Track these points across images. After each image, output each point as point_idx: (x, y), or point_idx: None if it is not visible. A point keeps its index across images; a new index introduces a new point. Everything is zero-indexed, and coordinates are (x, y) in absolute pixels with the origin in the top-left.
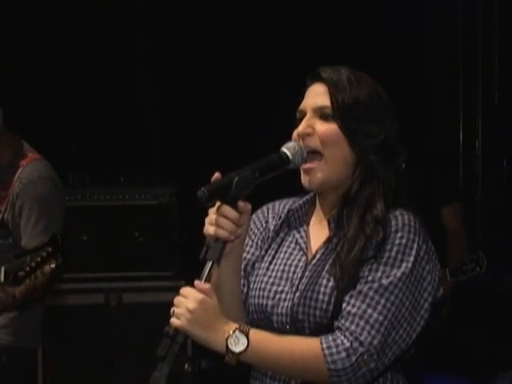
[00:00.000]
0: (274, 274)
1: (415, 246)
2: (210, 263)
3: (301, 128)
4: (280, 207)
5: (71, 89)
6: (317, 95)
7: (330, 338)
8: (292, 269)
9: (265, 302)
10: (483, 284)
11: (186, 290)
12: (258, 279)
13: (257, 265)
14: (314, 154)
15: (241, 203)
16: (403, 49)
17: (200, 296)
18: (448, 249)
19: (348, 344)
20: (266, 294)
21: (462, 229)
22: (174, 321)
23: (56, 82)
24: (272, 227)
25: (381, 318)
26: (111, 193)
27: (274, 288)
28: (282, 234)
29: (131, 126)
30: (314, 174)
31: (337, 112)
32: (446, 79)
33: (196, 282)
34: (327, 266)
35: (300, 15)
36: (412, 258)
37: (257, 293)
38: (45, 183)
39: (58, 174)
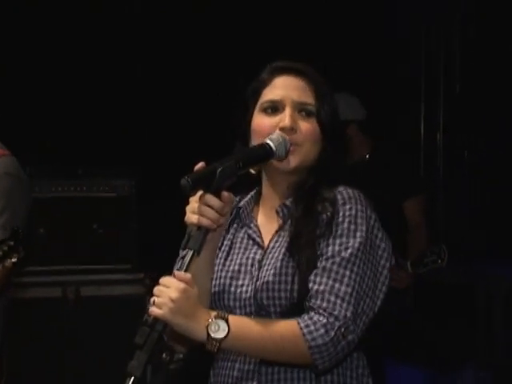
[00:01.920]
0: (231, 268)
1: (364, 215)
2: (191, 253)
3: (288, 123)
4: None
5: (33, 80)
6: (296, 89)
7: (306, 317)
8: (250, 261)
9: (226, 296)
10: (444, 277)
11: (167, 280)
12: (215, 276)
13: None
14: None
15: (225, 193)
16: (365, 41)
17: (182, 285)
18: (409, 241)
19: (324, 320)
20: (226, 288)
21: (423, 221)
22: (154, 310)
23: (18, 74)
24: None
25: (349, 289)
26: (69, 184)
27: (234, 282)
28: (232, 231)
29: (90, 115)
30: (294, 156)
31: (321, 108)
32: (408, 70)
33: (177, 272)
34: (283, 250)
35: (295, 15)
36: (364, 227)
37: (216, 289)
38: (11, 179)
39: None
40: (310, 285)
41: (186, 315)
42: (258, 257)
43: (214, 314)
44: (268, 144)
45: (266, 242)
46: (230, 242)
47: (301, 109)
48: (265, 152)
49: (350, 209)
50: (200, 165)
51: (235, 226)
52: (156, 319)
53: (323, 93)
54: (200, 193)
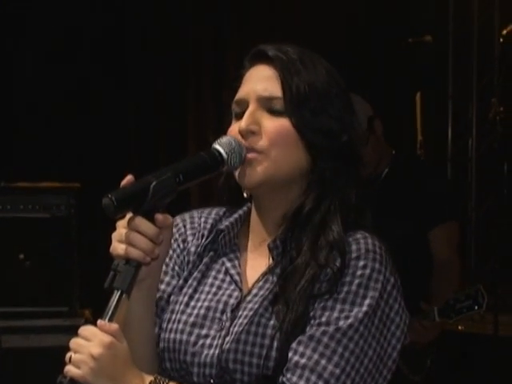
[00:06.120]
0: (195, 312)
1: (381, 277)
2: (118, 294)
3: (244, 124)
4: (201, 221)
5: None
6: (262, 81)
7: None
8: (220, 306)
9: (183, 348)
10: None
11: (87, 331)
12: (173, 317)
13: (173, 298)
14: (256, 151)
15: (159, 215)
16: None
17: (107, 339)
18: (435, 281)
19: None
20: (184, 337)
21: (455, 256)
22: (71, 369)
23: None
24: (193, 249)
25: (337, 371)
26: None
27: (196, 331)
28: (206, 260)
29: (14, 119)
30: (253, 168)
31: (290, 104)
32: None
33: (99, 322)
34: (266, 302)
35: None
36: (377, 294)
37: (172, 336)
38: None
39: None
40: (290, 354)
41: (111, 377)
42: (232, 301)
43: (149, 378)
44: (217, 150)
45: (249, 284)
46: (200, 275)
47: (268, 106)
48: (212, 161)
49: (364, 267)
50: (128, 179)
51: (212, 253)
52: (74, 382)
53: (298, 84)
54: (129, 215)
